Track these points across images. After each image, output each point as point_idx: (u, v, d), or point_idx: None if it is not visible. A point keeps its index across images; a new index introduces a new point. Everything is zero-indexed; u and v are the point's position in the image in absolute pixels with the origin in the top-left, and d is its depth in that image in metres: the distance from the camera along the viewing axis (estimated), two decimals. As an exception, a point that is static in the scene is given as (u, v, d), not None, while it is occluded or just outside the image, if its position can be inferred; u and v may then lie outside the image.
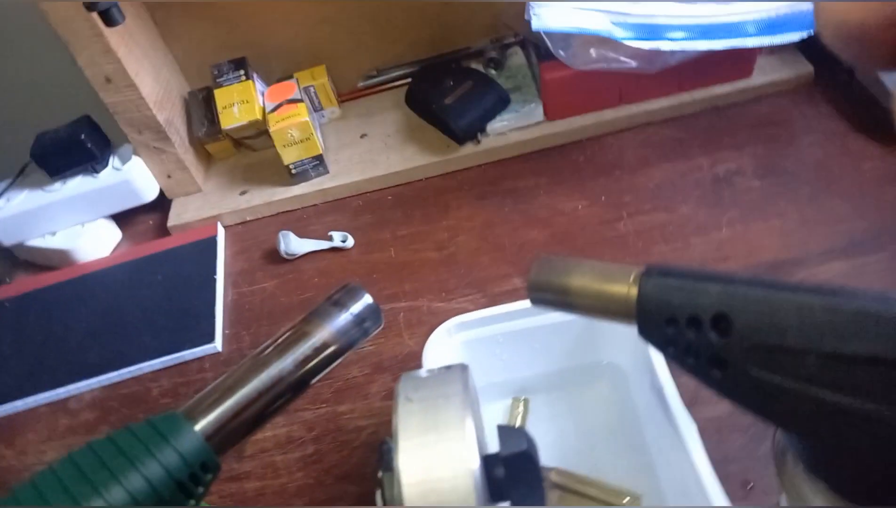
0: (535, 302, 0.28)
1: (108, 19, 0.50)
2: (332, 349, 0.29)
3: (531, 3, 0.54)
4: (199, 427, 0.26)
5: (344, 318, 0.29)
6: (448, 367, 0.27)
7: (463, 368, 0.28)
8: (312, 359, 0.28)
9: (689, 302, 0.23)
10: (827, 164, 0.61)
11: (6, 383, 0.60)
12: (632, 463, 0.45)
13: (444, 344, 0.46)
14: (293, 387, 0.28)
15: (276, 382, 0.27)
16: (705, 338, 0.23)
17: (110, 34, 0.61)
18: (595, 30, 0.54)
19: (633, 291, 0.25)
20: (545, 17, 0.53)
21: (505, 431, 0.26)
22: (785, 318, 0.22)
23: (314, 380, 0.28)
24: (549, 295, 0.27)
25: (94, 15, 0.56)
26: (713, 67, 0.65)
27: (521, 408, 0.48)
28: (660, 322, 0.24)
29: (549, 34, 0.58)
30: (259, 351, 0.29)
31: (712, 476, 0.36)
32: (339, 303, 0.29)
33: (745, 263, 0.56)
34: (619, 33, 0.54)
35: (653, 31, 0.55)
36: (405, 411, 0.25)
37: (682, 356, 0.24)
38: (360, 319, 0.29)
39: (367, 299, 0.30)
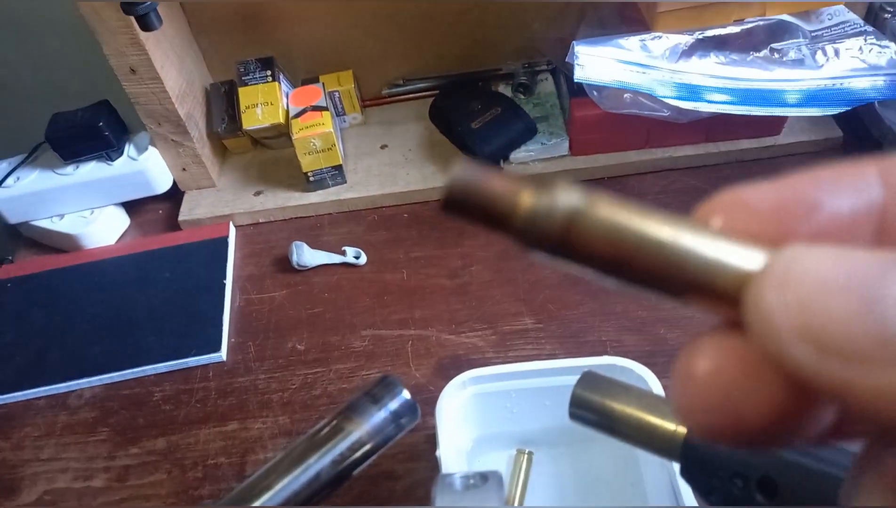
0: (574, 417, 0.28)
1: (146, 24, 0.49)
2: (367, 447, 0.29)
3: (576, 50, 0.54)
4: (237, 524, 0.26)
5: (381, 416, 0.29)
6: (483, 477, 0.28)
7: (499, 482, 0.28)
8: (348, 458, 0.28)
9: (738, 458, 0.24)
10: (845, 236, 0.62)
11: (7, 373, 0.60)
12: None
13: (459, 395, 0.46)
14: (329, 485, 0.28)
15: (313, 480, 0.27)
16: (750, 496, 0.23)
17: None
18: (637, 85, 0.53)
19: (681, 432, 0.25)
20: (589, 70, 0.52)
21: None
22: (833, 496, 0.22)
23: (350, 475, 0.28)
24: (592, 416, 0.27)
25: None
26: (743, 123, 0.65)
27: (524, 461, 0.49)
28: (705, 469, 0.24)
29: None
30: (296, 446, 0.29)
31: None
32: (377, 399, 0.29)
33: (755, 331, 0.57)
34: (661, 91, 0.53)
35: (694, 92, 0.54)
36: (443, 529, 0.25)
37: (724, 506, 0.24)
38: (396, 416, 0.29)
39: (405, 395, 0.30)
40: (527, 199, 0.14)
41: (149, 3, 0.48)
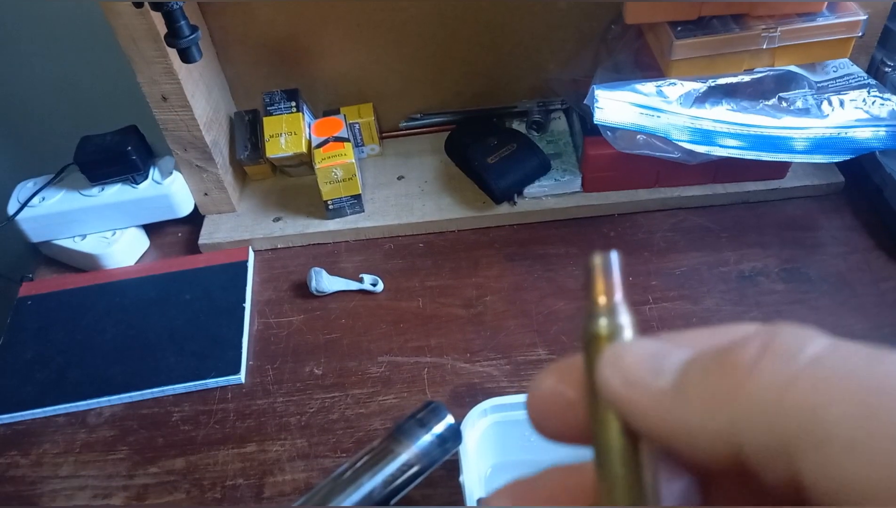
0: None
1: (188, 57, 0.51)
2: (415, 468, 0.30)
3: (595, 94, 0.56)
4: (294, 538, 0.28)
5: (428, 440, 0.30)
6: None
7: None
8: (398, 478, 0.29)
9: None
10: (848, 278, 0.64)
11: (27, 390, 0.61)
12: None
13: (480, 423, 0.48)
14: (378, 505, 0.29)
15: (366, 500, 0.28)
16: None
17: (174, 56, 0.62)
18: (653, 129, 0.56)
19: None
20: (608, 112, 0.55)
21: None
22: None
23: (394, 501, 0.30)
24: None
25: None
26: (750, 166, 0.67)
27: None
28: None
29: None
30: (350, 465, 0.30)
31: None
32: (424, 423, 0.31)
33: (763, 367, 0.58)
34: (675, 135, 0.56)
35: (707, 137, 0.57)
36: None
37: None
38: (442, 440, 0.31)
39: (449, 419, 0.32)
40: (595, 301, 0.17)
41: (192, 36, 0.50)
